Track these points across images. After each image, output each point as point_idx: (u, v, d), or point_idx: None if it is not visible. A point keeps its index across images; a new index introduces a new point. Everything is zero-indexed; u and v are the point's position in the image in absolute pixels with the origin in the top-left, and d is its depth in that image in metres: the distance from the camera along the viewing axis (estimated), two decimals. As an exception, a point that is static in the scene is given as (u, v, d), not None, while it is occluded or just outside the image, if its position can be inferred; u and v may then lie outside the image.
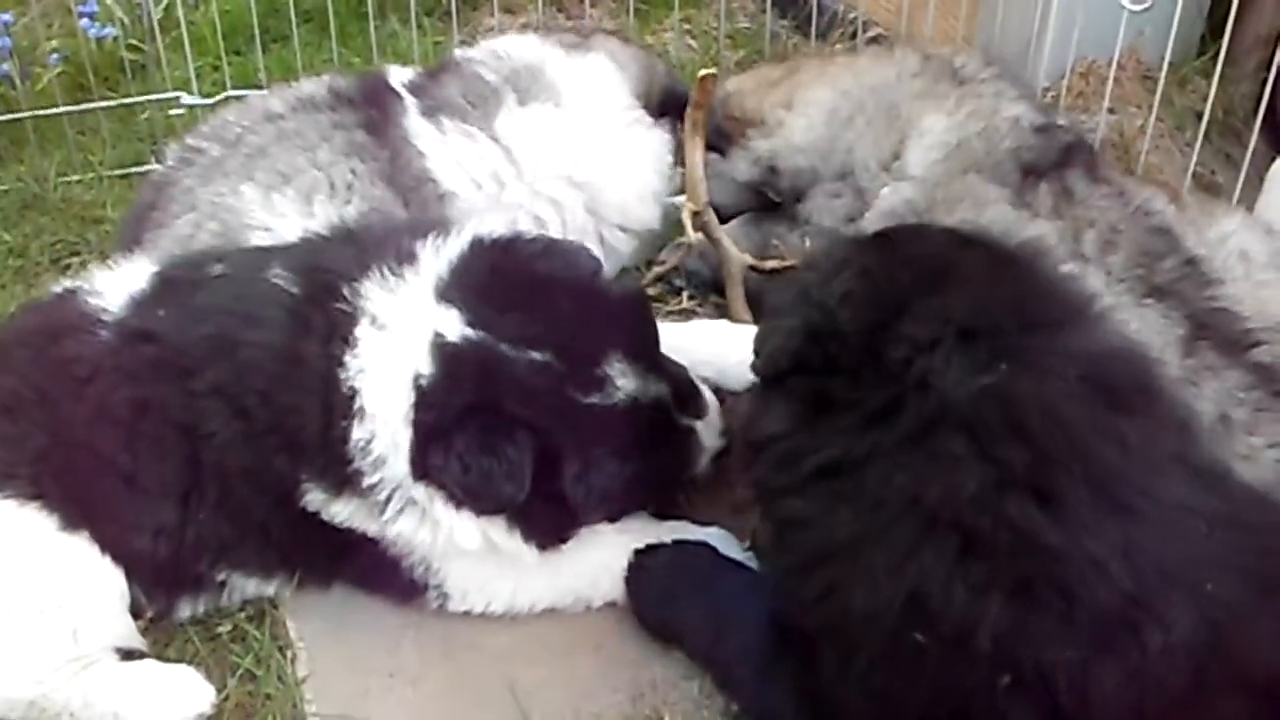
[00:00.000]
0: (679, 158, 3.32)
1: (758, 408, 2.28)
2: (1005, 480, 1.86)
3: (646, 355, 2.43)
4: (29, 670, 2.37)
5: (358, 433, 2.28)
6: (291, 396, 2.33)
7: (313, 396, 2.31)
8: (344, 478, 2.33)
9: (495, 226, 2.51)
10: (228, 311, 2.43)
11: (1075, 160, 2.93)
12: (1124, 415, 1.94)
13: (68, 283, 2.79)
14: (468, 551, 2.40)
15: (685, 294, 3.39)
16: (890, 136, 3.10)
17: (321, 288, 2.38)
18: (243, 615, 2.61)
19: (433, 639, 2.54)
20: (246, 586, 2.59)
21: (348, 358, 2.29)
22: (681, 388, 2.53)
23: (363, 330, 2.31)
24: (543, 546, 2.40)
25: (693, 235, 3.14)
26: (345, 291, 2.35)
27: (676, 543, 2.54)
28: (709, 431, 2.59)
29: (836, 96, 3.22)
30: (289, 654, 2.54)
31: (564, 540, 2.44)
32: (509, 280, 2.37)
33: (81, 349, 2.46)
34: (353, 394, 2.28)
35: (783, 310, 2.23)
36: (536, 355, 2.27)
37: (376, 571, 2.51)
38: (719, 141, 3.32)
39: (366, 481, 2.30)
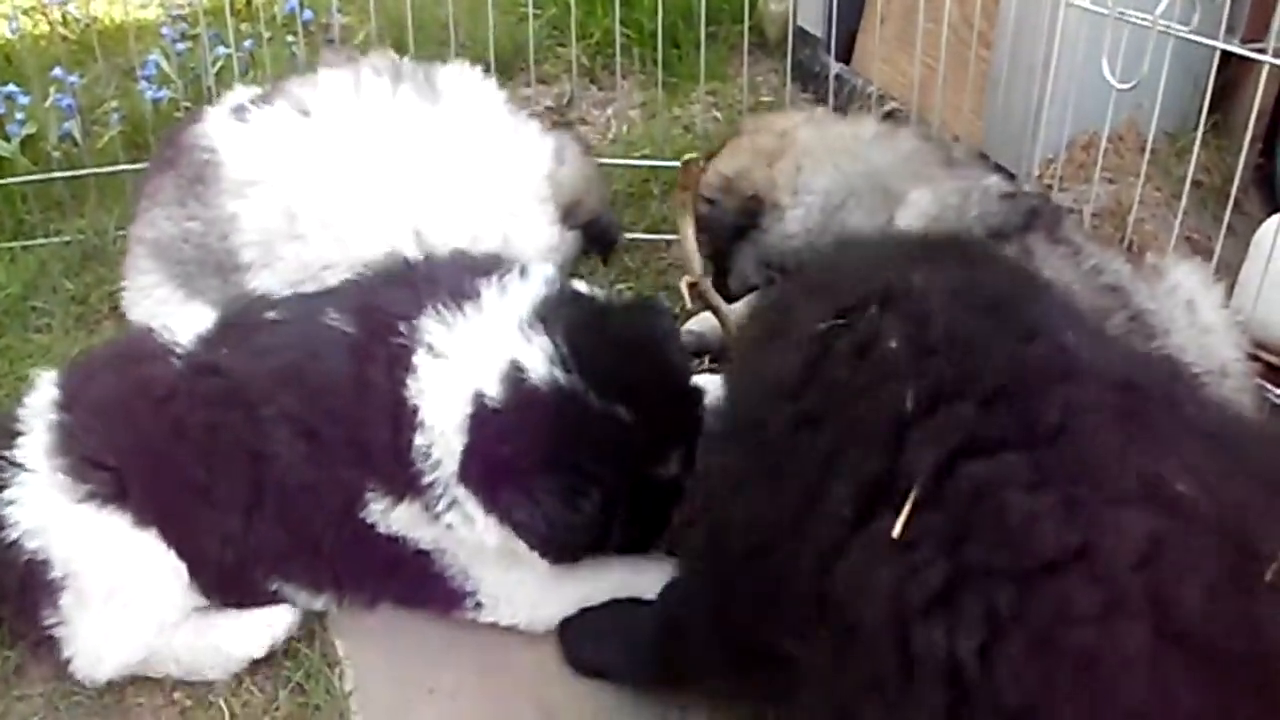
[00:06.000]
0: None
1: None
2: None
3: (691, 451, 2.61)
4: (132, 638, 2.64)
5: (419, 439, 2.50)
6: (362, 413, 2.55)
7: (382, 414, 2.54)
8: (407, 482, 2.54)
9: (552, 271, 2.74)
10: (290, 349, 2.67)
11: (1038, 224, 3.09)
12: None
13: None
14: (498, 560, 2.63)
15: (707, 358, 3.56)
16: (884, 211, 3.25)
17: (379, 326, 2.61)
18: (293, 635, 2.78)
19: (469, 659, 2.71)
20: (297, 598, 2.78)
21: (409, 379, 2.52)
22: None
23: (420, 358, 2.53)
24: (557, 560, 2.58)
25: (690, 303, 3.33)
26: (402, 329, 2.57)
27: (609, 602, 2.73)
28: None
29: (832, 185, 3.36)
30: (337, 669, 2.71)
31: (575, 559, 2.63)
32: (600, 333, 2.58)
33: (159, 372, 2.70)
34: (415, 410, 2.51)
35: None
36: (622, 413, 2.49)
37: (421, 581, 2.70)
38: (747, 225, 3.44)
39: (425, 480, 2.52)
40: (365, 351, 2.59)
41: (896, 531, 1.74)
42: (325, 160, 3.22)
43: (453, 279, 2.65)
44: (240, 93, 3.55)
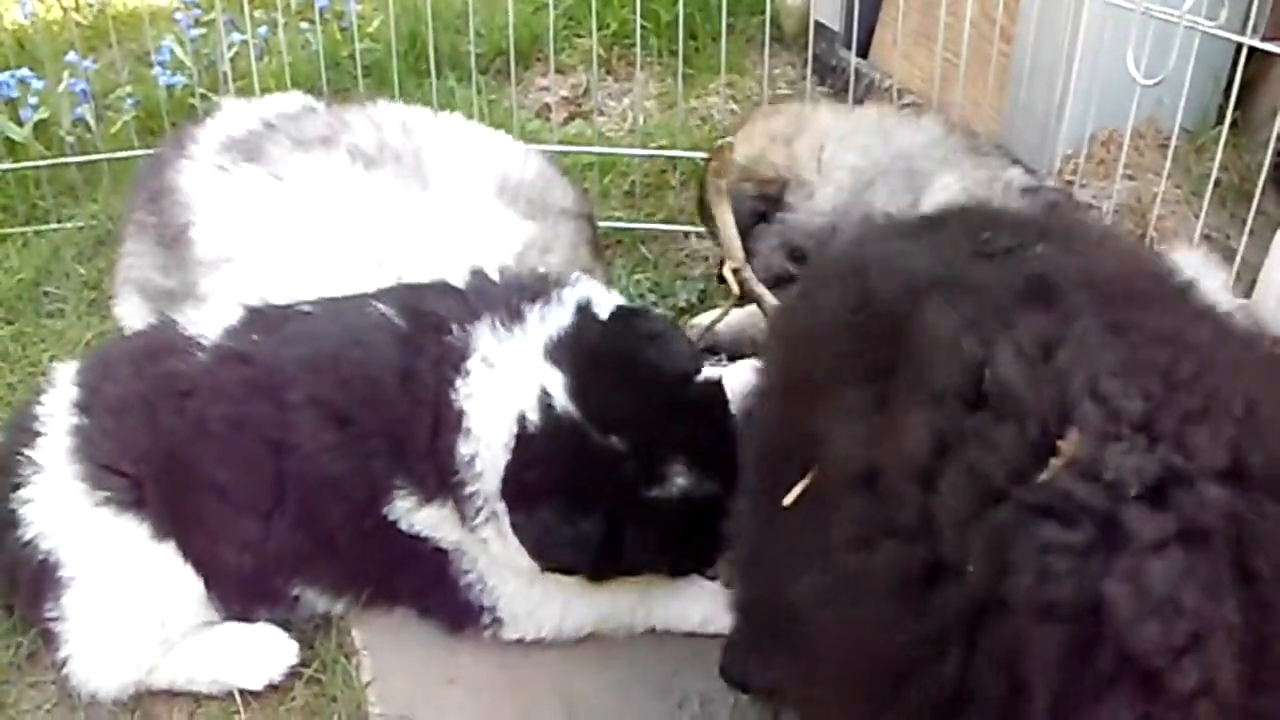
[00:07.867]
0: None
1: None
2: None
3: (708, 456, 2.53)
4: (128, 660, 2.59)
5: (464, 448, 2.47)
6: (402, 405, 2.51)
7: (424, 408, 2.49)
8: (442, 484, 2.50)
9: (597, 294, 2.69)
10: (327, 335, 2.63)
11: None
12: None
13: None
14: (521, 574, 2.58)
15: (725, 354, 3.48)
16: (908, 194, 3.29)
17: (429, 325, 2.57)
18: (310, 625, 2.75)
19: (489, 650, 2.68)
20: (318, 603, 2.74)
21: (459, 381, 2.48)
22: None
23: (473, 364, 2.49)
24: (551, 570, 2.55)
25: (736, 288, 3.23)
26: (454, 329, 2.54)
27: None
28: None
29: (861, 162, 3.41)
30: (354, 660, 2.68)
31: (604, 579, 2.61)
32: (608, 360, 2.54)
33: (182, 366, 2.65)
34: (462, 414, 2.47)
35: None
36: (615, 443, 2.46)
37: (437, 590, 2.66)
38: (768, 209, 3.47)
39: (466, 490, 2.48)
40: (414, 345, 2.56)
41: (788, 500, 1.83)
42: (298, 242, 3.09)
43: (503, 296, 2.62)
44: (233, 117, 3.41)
